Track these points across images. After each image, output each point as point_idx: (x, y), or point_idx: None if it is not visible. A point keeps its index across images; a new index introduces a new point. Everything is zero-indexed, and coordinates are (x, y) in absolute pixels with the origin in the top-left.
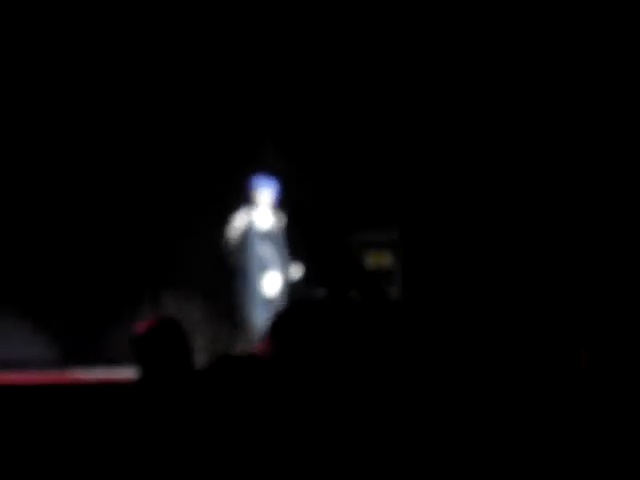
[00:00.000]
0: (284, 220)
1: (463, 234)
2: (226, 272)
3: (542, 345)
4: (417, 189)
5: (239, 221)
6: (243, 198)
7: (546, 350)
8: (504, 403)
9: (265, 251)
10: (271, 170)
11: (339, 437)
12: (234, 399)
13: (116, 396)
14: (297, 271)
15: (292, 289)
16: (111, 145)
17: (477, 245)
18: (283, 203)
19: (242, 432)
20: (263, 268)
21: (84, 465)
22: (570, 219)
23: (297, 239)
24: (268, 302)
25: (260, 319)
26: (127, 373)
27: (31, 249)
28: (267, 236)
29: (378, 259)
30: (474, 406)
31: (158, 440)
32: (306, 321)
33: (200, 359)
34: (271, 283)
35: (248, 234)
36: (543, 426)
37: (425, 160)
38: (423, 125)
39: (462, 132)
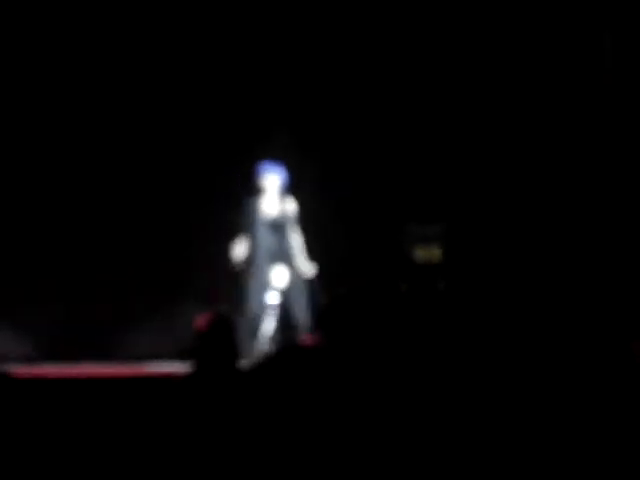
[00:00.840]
0: (293, 208)
1: (511, 228)
2: (233, 266)
3: (593, 340)
4: (465, 184)
5: (246, 210)
6: (251, 185)
7: (598, 345)
8: (555, 398)
9: (272, 241)
10: (285, 158)
11: (392, 424)
12: (299, 389)
13: (171, 389)
14: (311, 267)
15: (309, 285)
16: (117, 137)
17: (524, 239)
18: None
19: (309, 421)
20: (271, 259)
21: (141, 458)
22: (616, 213)
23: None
24: (275, 294)
25: (263, 310)
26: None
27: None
28: (275, 225)
29: (427, 253)
30: (523, 399)
31: (221, 431)
32: (356, 312)
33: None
34: (279, 276)
35: (254, 223)
36: (599, 421)
37: (474, 156)
38: (474, 122)
39: (512, 130)
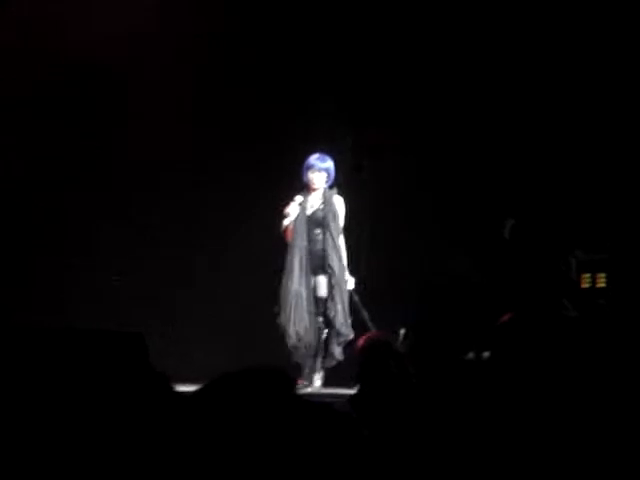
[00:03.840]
0: (341, 206)
1: None
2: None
3: None
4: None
5: (292, 207)
6: (298, 181)
7: None
8: None
9: (316, 243)
10: None
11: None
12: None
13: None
14: (351, 280)
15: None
16: None
17: None
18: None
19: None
20: (314, 264)
21: None
22: None
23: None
24: (316, 302)
25: (303, 319)
26: None
27: None
28: (320, 223)
29: (593, 279)
30: None
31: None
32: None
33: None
34: (321, 284)
35: (298, 222)
36: None
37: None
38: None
39: None
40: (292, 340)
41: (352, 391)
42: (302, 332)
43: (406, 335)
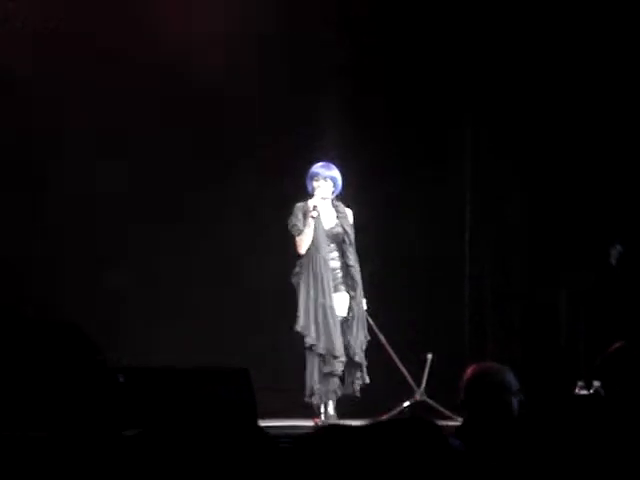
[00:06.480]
0: (348, 220)
1: None
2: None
3: None
4: None
5: (304, 220)
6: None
7: None
8: None
9: (333, 259)
10: None
11: None
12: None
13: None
14: (364, 301)
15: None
16: None
17: None
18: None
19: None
20: (334, 282)
21: None
22: None
23: None
24: (339, 322)
25: (332, 339)
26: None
27: None
28: (336, 238)
29: None
30: None
31: None
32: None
33: None
34: (340, 302)
35: (319, 234)
36: None
37: None
38: None
39: None
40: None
41: (367, 422)
42: (339, 347)
43: None
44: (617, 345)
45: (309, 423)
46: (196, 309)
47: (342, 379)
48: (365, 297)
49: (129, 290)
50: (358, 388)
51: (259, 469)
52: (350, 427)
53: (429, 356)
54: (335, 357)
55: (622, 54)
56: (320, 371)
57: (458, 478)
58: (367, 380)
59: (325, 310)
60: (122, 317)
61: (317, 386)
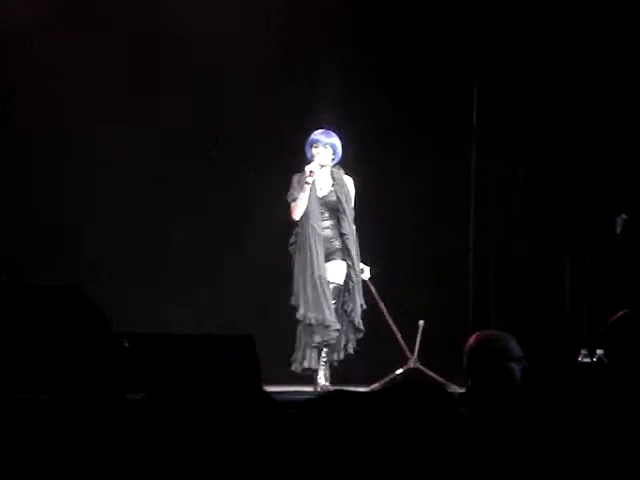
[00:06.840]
0: (345, 188)
1: None
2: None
3: None
4: None
5: (299, 187)
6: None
7: None
8: None
9: (327, 227)
10: None
11: None
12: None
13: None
14: (365, 269)
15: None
16: None
17: None
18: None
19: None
20: (326, 249)
21: None
22: None
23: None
24: (332, 289)
25: (322, 309)
26: None
27: None
28: (332, 207)
29: None
30: None
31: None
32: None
33: None
34: (335, 270)
35: (311, 202)
36: None
37: None
38: None
39: None
40: (318, 323)
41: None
42: (329, 317)
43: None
44: (620, 314)
45: (309, 389)
46: (204, 279)
47: (335, 347)
48: (368, 265)
49: (133, 261)
50: (352, 351)
51: (265, 434)
52: (357, 393)
53: (421, 323)
54: (327, 327)
55: (623, 34)
56: (307, 343)
57: (466, 444)
58: (351, 349)
59: (314, 280)
60: (126, 288)
61: (298, 354)
